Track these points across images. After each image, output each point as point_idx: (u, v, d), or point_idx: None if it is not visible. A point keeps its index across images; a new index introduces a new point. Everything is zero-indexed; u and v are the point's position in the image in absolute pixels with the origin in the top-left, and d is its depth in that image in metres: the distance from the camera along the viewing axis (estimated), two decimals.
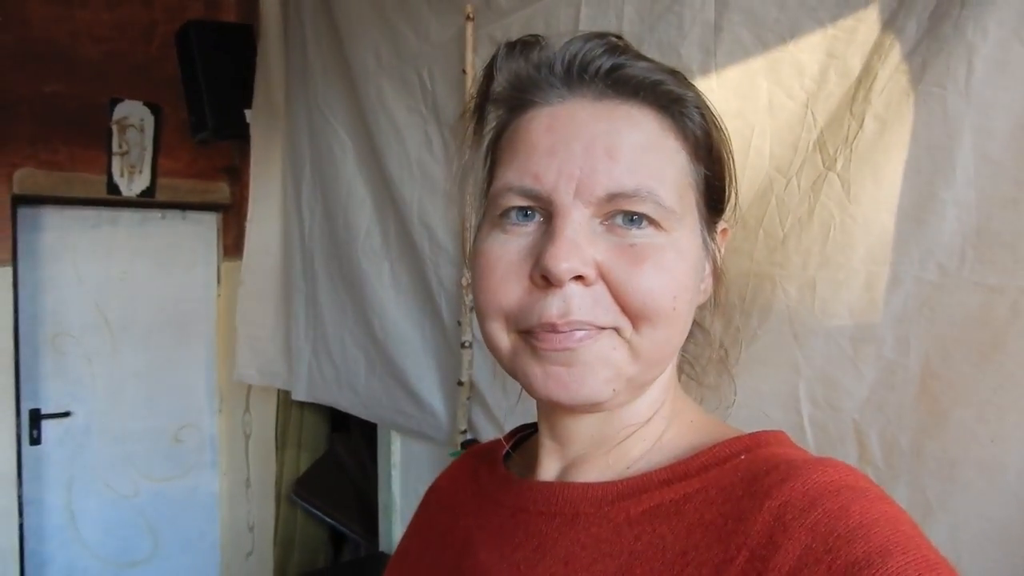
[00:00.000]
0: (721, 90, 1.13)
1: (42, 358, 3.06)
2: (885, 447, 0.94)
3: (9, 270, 2.84)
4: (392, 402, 2.06)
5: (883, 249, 0.95)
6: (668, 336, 0.49)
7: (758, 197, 1.09)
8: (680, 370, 0.57)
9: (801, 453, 0.48)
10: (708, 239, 0.52)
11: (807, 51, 1.04)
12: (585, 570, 0.47)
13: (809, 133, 1.05)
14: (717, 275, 0.55)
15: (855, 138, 0.98)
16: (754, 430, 0.51)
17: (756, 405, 1.03)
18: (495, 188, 0.50)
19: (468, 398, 1.78)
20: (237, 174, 3.20)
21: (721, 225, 0.55)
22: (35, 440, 3.04)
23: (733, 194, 0.56)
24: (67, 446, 3.12)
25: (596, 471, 0.52)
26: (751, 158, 1.09)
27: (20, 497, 2.91)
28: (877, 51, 0.96)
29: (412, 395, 1.97)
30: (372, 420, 2.27)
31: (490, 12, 1.64)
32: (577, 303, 0.46)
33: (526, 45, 0.50)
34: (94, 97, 2.96)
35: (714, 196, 0.53)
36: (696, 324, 0.56)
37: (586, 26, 1.36)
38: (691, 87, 0.51)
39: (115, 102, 3.00)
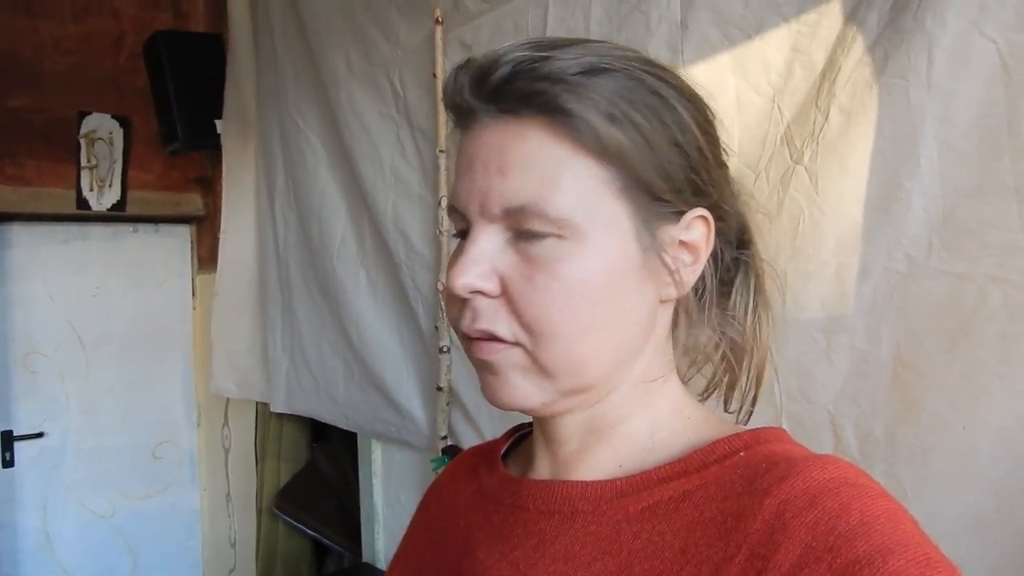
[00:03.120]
0: None
1: (13, 378, 3.00)
2: (860, 437, 0.95)
3: None
4: (372, 410, 2.04)
5: (852, 240, 0.96)
6: (576, 346, 0.48)
7: None
8: (692, 363, 0.57)
9: (801, 450, 0.48)
10: (649, 234, 0.50)
11: (773, 46, 1.05)
12: (585, 568, 0.47)
13: (776, 127, 1.06)
14: (701, 261, 0.52)
15: (821, 131, 0.99)
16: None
17: None
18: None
19: (448, 403, 1.78)
20: (210, 185, 3.17)
21: (694, 213, 0.51)
22: (8, 463, 2.97)
23: (699, 181, 0.52)
24: (41, 467, 3.05)
25: (590, 469, 0.52)
26: None
27: None
28: (840, 44, 0.97)
29: (391, 402, 1.96)
30: (352, 429, 2.25)
31: (459, 15, 1.64)
32: (482, 314, 0.49)
33: (460, 69, 0.51)
34: (61, 110, 2.91)
35: (648, 191, 0.49)
36: (684, 315, 0.55)
37: (554, 27, 1.37)
38: (605, 75, 0.47)
39: (83, 115, 2.95)
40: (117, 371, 3.21)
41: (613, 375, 0.52)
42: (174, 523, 3.34)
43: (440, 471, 0.71)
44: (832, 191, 0.98)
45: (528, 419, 0.61)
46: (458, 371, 1.75)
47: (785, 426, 1.01)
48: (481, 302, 0.49)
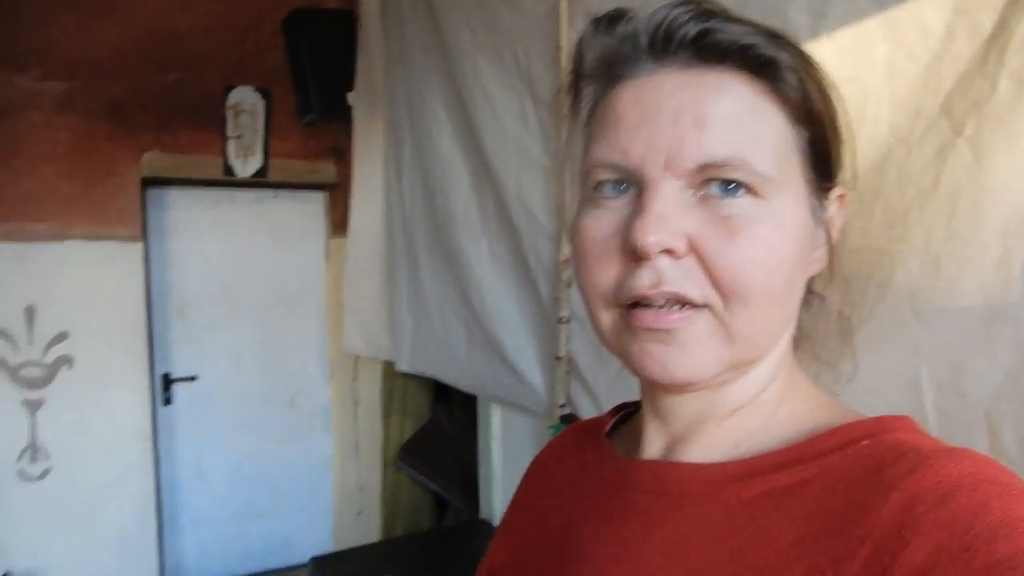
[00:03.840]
0: (833, 54, 1.06)
1: (171, 327, 3.32)
2: (1021, 439, 0.87)
3: (140, 246, 3.08)
4: (492, 375, 2.09)
5: (1020, 222, 0.88)
6: (765, 313, 0.47)
7: (875, 168, 1.02)
8: (796, 344, 0.54)
9: (930, 441, 0.45)
10: (818, 206, 0.50)
11: (931, 9, 0.96)
12: (694, 553, 0.46)
13: (934, 97, 0.97)
14: (833, 243, 0.52)
15: (987, 101, 0.90)
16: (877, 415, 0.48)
17: (872, 389, 0.98)
18: (587, 164, 0.50)
19: (567, 373, 1.79)
20: (342, 154, 3.32)
21: (837, 191, 0.52)
22: (167, 401, 3.31)
23: (848, 158, 0.52)
24: (195, 407, 3.38)
25: (701, 450, 0.50)
26: (867, 126, 1.03)
27: (156, 452, 3.19)
28: (1013, 6, 0.87)
29: (511, 368, 2.00)
30: (472, 392, 2.32)
31: None
32: (668, 275, 0.45)
33: (612, 19, 0.49)
34: (210, 85, 3.13)
35: (822, 160, 0.50)
36: (813, 294, 0.54)
37: None
38: (788, 47, 0.48)
39: (228, 89, 3.17)
40: (259, 325, 3.47)
41: (769, 351, 0.50)
42: (308, 466, 3.61)
43: (545, 445, 0.70)
44: (998, 167, 0.89)
45: (633, 397, 0.60)
46: (577, 342, 1.76)
47: (933, 421, 0.94)
48: (665, 262, 0.45)
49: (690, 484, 0.49)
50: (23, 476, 2.92)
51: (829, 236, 0.52)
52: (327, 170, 3.41)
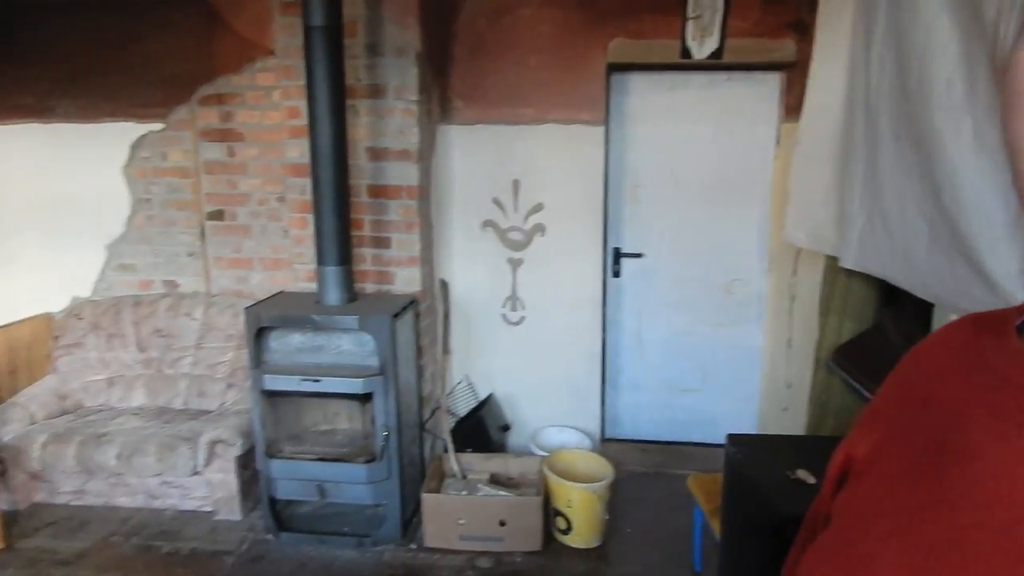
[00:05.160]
0: None
1: (624, 206, 3.62)
2: None
3: (602, 129, 3.38)
4: (956, 282, 1.80)
5: None
6: None
7: None
8: None
9: None
10: None
11: None
12: None
13: None
14: None
15: None
16: None
17: None
18: None
19: None
20: (804, 29, 3.06)
21: None
22: (616, 273, 3.68)
23: None
24: (638, 282, 3.69)
25: None
26: None
27: (604, 317, 3.62)
28: None
29: (983, 276, 1.68)
30: (929, 299, 2.03)
31: None
32: None
33: None
34: None
35: None
36: None
37: None
38: None
39: None
40: (702, 209, 3.55)
41: None
42: (738, 354, 3.67)
43: (931, 334, 0.60)
44: None
45: None
46: None
47: None
48: None
49: None
50: (506, 320, 3.63)
51: None
52: (786, 48, 3.19)
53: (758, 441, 2.33)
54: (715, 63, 3.24)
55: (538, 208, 3.49)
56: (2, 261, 3.75)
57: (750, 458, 2.13)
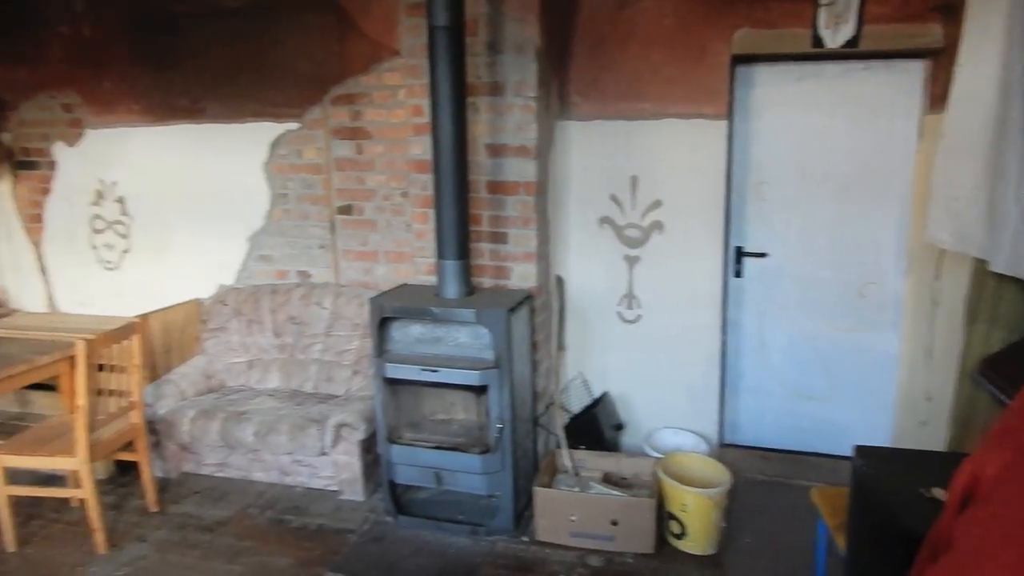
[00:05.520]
0: None
1: (747, 203, 3.48)
2: None
3: (725, 123, 3.27)
4: None
5: None
6: None
7: None
8: None
9: None
10: None
11: None
12: None
13: None
14: None
15: None
16: None
17: None
18: None
19: None
20: (953, 12, 2.82)
21: None
22: (737, 273, 3.55)
23: None
24: (762, 282, 3.54)
25: None
26: None
27: (724, 318, 3.51)
28: None
29: None
30: None
31: None
32: None
33: None
34: None
35: None
36: None
37: None
38: None
39: None
40: (834, 207, 3.36)
41: None
42: (871, 362, 3.44)
43: None
44: None
45: None
46: None
47: None
48: None
49: None
50: (621, 318, 3.59)
51: None
52: (932, 33, 2.95)
53: (890, 455, 2.18)
54: (851, 51, 3.05)
55: (656, 205, 3.43)
56: (158, 249, 4.15)
57: (880, 472, 2.00)
